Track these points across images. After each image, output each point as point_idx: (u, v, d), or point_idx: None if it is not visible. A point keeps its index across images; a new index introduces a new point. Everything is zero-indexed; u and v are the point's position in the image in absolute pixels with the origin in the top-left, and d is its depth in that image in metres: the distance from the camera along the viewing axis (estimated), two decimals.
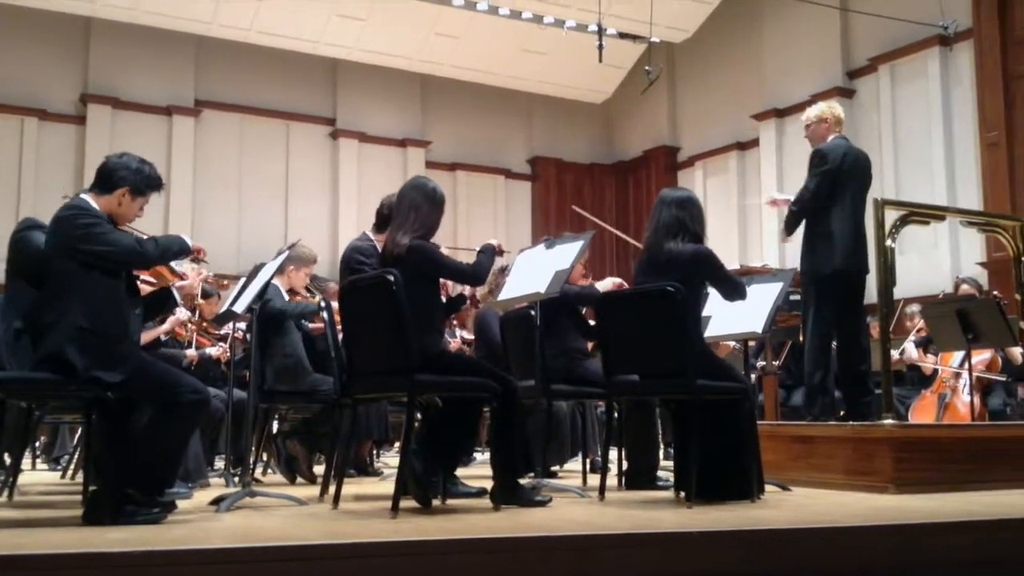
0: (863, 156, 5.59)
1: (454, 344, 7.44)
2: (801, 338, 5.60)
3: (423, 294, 4.06)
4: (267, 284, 4.48)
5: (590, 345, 5.67)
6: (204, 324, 6.58)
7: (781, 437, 5.18)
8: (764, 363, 6.67)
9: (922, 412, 7.36)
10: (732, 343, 7.20)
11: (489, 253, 4.49)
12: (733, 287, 4.50)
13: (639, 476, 4.97)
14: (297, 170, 14.34)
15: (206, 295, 6.85)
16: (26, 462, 6.61)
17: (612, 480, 4.87)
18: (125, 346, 3.51)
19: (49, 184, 12.43)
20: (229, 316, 4.88)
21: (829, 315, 5.37)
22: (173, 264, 4.18)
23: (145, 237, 3.73)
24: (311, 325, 5.97)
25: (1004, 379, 7.33)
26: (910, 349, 7.71)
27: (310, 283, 6.38)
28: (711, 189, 14.28)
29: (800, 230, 5.54)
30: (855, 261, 5.34)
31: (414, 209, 4.19)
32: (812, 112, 5.76)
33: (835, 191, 5.39)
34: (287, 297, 5.92)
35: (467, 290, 4.95)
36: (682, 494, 4.27)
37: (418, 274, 4.04)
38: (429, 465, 4.00)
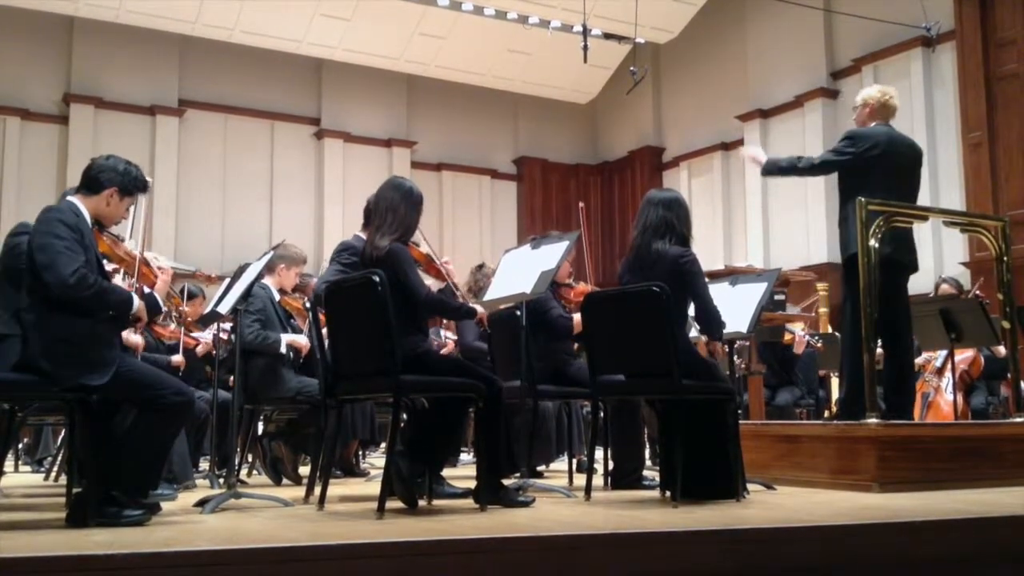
0: (906, 146, 5.31)
1: (446, 348, 7.46)
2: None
3: (406, 294, 4.06)
4: (252, 285, 4.47)
5: (575, 345, 5.68)
6: (185, 317, 6.53)
7: (766, 436, 5.20)
8: (749, 362, 6.69)
9: None
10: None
11: (461, 308, 4.43)
12: (708, 310, 4.38)
13: (625, 476, 4.98)
14: (282, 170, 14.31)
15: (191, 296, 6.83)
16: (9, 464, 6.55)
17: (598, 480, 4.87)
18: (106, 348, 3.48)
19: (31, 184, 12.39)
20: (213, 317, 4.86)
21: (852, 304, 5.08)
22: (152, 263, 4.14)
23: (108, 281, 3.61)
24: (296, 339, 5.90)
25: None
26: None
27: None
28: (696, 189, 14.33)
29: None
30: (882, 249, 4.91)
31: (392, 210, 4.19)
32: (859, 96, 5.52)
33: (857, 178, 5.15)
34: (277, 297, 5.90)
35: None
36: (667, 494, 4.28)
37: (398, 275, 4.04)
38: (415, 466, 3.99)
